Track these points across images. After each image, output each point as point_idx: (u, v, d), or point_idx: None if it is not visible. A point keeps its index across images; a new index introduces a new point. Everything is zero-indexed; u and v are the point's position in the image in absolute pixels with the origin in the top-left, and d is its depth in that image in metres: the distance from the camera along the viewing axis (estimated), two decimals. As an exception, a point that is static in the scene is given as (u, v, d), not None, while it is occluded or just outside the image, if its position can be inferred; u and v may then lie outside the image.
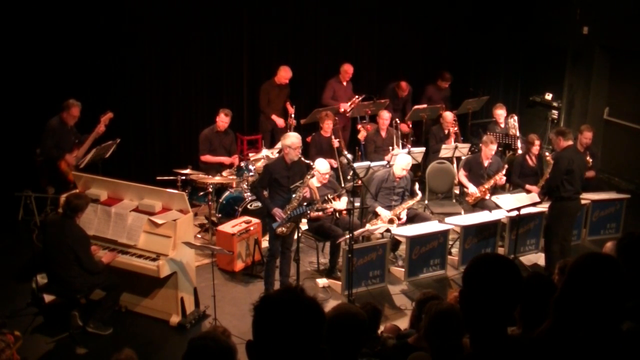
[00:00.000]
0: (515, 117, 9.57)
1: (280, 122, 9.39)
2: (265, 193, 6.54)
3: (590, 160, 8.28)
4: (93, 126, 7.60)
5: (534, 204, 7.23)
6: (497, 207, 7.47)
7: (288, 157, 6.35)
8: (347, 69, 9.72)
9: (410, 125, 10.06)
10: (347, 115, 9.69)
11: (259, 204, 7.64)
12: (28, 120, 8.08)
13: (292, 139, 6.37)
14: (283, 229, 6.38)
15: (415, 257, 7.18)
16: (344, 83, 9.77)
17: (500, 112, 9.41)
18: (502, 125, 9.38)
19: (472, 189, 7.98)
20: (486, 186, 7.88)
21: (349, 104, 9.56)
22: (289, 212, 6.30)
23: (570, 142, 6.89)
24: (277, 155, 8.07)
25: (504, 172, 7.90)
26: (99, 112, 7.72)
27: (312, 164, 7.22)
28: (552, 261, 6.93)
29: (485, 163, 8.02)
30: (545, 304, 2.86)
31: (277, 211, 6.30)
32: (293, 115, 9.32)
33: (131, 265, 6.03)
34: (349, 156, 8.26)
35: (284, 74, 9.36)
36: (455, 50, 11.42)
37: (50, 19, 8.29)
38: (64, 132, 7.42)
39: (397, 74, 11.04)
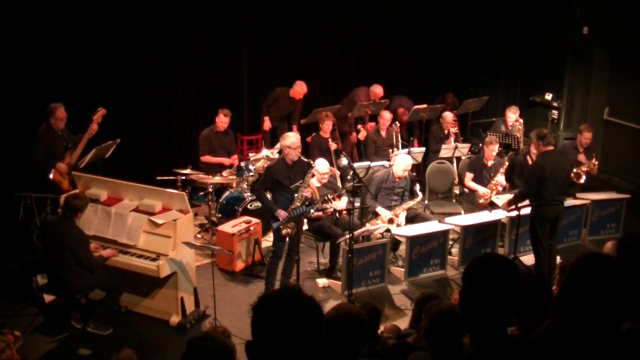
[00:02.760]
0: (521, 121, 9.55)
1: (266, 125, 9.36)
2: (268, 195, 6.54)
3: (596, 162, 8.26)
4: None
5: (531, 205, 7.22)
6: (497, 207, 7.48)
7: (288, 157, 6.35)
8: (376, 90, 9.59)
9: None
10: (349, 116, 9.69)
11: (259, 204, 7.64)
12: (28, 120, 8.06)
13: (292, 139, 6.37)
14: (288, 230, 6.37)
15: (415, 257, 7.17)
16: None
17: (511, 115, 9.37)
18: (510, 127, 9.37)
19: (482, 189, 7.97)
20: (493, 183, 7.88)
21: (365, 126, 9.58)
22: (290, 213, 6.30)
23: (550, 147, 6.77)
24: (277, 155, 8.07)
25: (500, 173, 7.89)
26: (99, 112, 7.70)
27: (312, 163, 7.21)
28: (539, 264, 6.91)
29: (489, 164, 8.03)
30: (540, 304, 2.87)
31: (281, 212, 6.30)
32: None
33: (131, 265, 6.02)
34: (345, 161, 8.19)
35: (299, 89, 9.35)
36: (456, 50, 11.42)
37: (51, 19, 8.29)
38: (53, 139, 7.21)
39: (397, 74, 11.07)
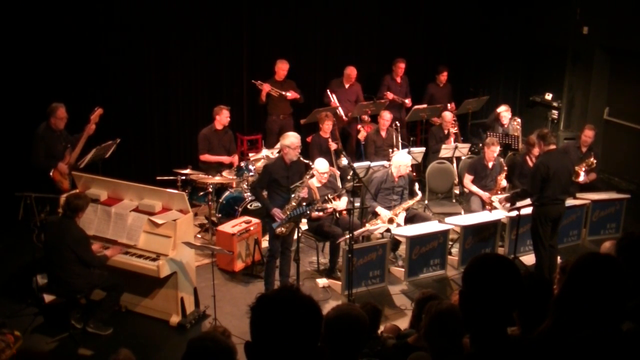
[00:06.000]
0: (519, 120, 9.55)
1: (265, 89, 9.14)
2: (264, 193, 6.54)
3: (594, 161, 8.26)
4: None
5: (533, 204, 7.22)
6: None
7: (287, 157, 6.35)
8: (350, 72, 9.67)
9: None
10: (348, 115, 9.67)
11: (259, 203, 7.64)
12: (28, 120, 8.05)
13: (292, 139, 6.37)
14: (282, 229, 6.38)
15: (415, 257, 7.17)
16: (346, 85, 9.74)
17: (505, 114, 9.37)
18: (505, 126, 9.38)
19: (482, 193, 7.93)
20: (499, 189, 7.88)
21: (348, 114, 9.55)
22: (288, 213, 6.30)
23: (552, 147, 6.76)
24: (277, 155, 8.07)
25: (503, 175, 7.90)
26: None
27: (311, 163, 7.21)
28: (540, 264, 6.91)
29: (490, 165, 8.02)
30: (540, 303, 2.87)
31: (276, 211, 6.31)
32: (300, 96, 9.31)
33: (131, 265, 6.03)
34: (345, 161, 8.18)
35: (281, 66, 9.32)
36: (456, 50, 11.42)
37: (50, 18, 8.28)
38: (52, 138, 7.19)
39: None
